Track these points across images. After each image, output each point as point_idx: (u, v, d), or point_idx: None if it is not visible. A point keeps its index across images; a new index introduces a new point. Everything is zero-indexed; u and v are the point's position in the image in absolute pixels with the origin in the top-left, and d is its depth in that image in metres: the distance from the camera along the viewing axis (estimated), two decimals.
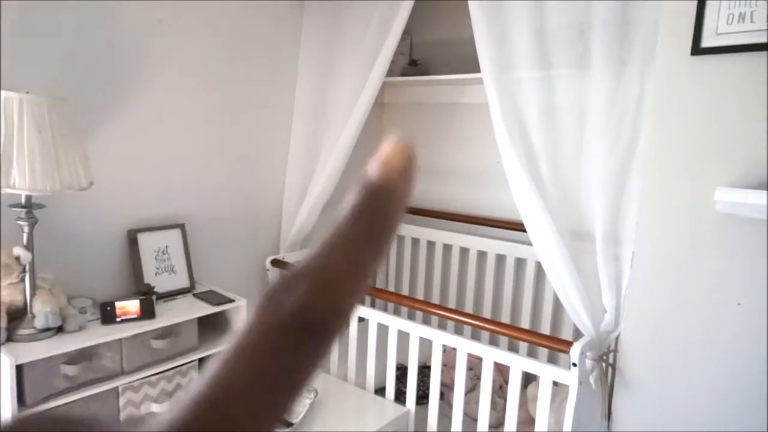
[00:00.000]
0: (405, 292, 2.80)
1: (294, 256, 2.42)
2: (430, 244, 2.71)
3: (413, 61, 2.60)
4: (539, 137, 1.67)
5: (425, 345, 1.92)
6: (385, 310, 2.69)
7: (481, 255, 2.53)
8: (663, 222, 1.45)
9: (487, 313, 2.47)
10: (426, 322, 2.65)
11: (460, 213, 2.59)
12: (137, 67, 1.87)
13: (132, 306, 1.66)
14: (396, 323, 1.95)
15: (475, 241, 2.51)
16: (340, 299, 0.17)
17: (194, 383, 0.21)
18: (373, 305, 2.74)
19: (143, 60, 1.88)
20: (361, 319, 2.12)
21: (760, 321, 1.34)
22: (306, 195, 2.36)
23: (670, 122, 1.40)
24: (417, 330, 1.89)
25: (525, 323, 2.35)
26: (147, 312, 1.67)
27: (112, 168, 1.84)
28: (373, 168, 0.18)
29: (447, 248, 2.64)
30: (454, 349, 1.83)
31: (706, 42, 1.29)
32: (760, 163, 1.29)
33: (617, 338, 1.63)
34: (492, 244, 2.45)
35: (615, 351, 1.64)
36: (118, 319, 1.62)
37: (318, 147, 2.34)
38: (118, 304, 1.64)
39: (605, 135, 1.55)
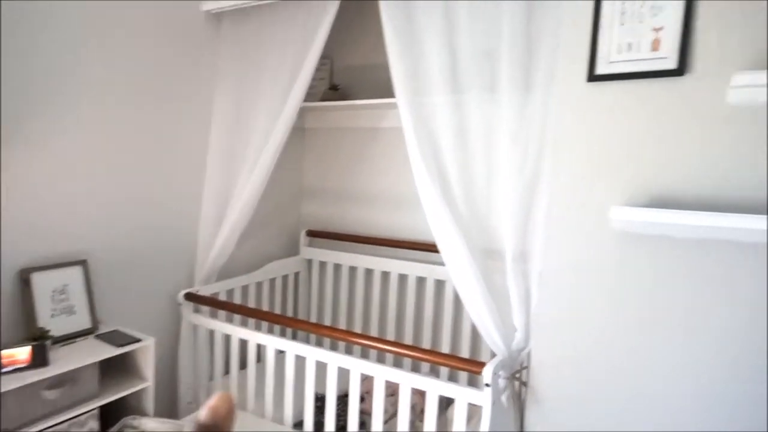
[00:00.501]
0: (327, 320, 2.75)
1: (209, 289, 2.32)
2: (352, 270, 2.69)
3: (334, 85, 2.61)
4: (452, 160, 1.70)
5: (346, 374, 1.88)
6: (307, 341, 2.62)
7: (402, 278, 2.53)
8: (566, 240, 1.50)
9: (408, 338, 2.46)
10: (350, 350, 2.60)
11: (382, 237, 2.59)
12: (37, 89, 1.75)
13: (21, 353, 1.53)
14: (314, 354, 1.89)
15: (395, 265, 2.51)
16: None
17: None
18: (294, 337, 2.67)
19: (44, 82, 1.76)
20: (279, 352, 2.05)
21: (656, 333, 1.40)
22: (222, 223, 2.28)
23: (569, 145, 1.47)
24: (335, 360, 1.85)
25: (446, 346, 2.35)
26: (39, 359, 1.53)
27: (3, 200, 1.69)
28: (205, 413, 0.26)
29: (369, 273, 2.63)
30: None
31: (600, 69, 1.37)
32: (649, 183, 1.36)
33: (528, 355, 1.66)
34: (412, 267, 2.46)
35: (527, 368, 1.66)
36: (3, 370, 1.48)
37: (235, 174, 2.27)
38: (4, 352, 1.50)
39: (513, 157, 1.60)
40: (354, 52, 2.69)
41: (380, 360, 2.34)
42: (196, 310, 2.24)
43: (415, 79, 1.73)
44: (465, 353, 2.29)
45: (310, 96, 2.41)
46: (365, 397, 2.15)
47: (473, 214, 1.71)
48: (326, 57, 2.70)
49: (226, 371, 2.31)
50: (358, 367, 1.80)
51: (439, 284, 2.41)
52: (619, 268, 1.44)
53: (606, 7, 1.35)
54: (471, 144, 1.69)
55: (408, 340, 2.46)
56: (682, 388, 1.36)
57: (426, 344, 2.42)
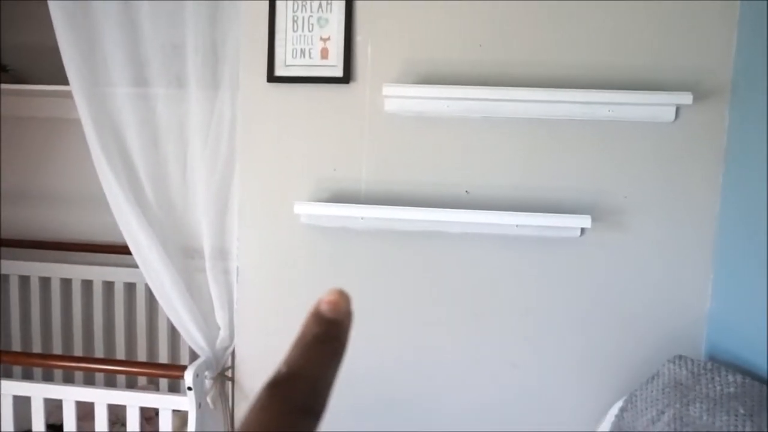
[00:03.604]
0: (17, 344, 2.34)
1: None
2: (43, 281, 2.33)
3: (3, 66, 2.20)
4: (142, 157, 1.60)
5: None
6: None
7: (86, 284, 2.29)
8: (259, 236, 1.55)
9: (99, 350, 2.25)
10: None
11: (63, 241, 2.30)
12: None
13: None
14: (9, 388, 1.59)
15: (79, 271, 2.26)
16: (325, 397, 0.26)
17: None
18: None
19: None
20: None
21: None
22: None
23: (255, 143, 1.51)
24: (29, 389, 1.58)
25: (142, 353, 2.22)
26: None
27: None
28: (326, 307, 0.26)
29: (44, 282, 2.31)
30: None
31: (278, 71, 1.43)
32: (328, 180, 1.49)
33: (233, 353, 1.67)
34: (98, 271, 2.24)
35: (232, 366, 1.67)
36: None
37: None
38: None
39: (205, 154, 1.58)
40: (28, 29, 2.31)
41: (86, 380, 2.10)
42: None
43: (93, 68, 1.57)
44: (164, 358, 2.20)
45: None
46: (79, 424, 1.89)
47: (168, 212, 1.64)
48: None
49: None
50: (40, 393, 1.58)
51: (130, 287, 2.26)
52: (309, 259, 1.54)
53: (280, 13, 1.41)
54: (163, 141, 1.62)
55: (99, 353, 2.25)
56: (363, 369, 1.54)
57: (120, 356, 2.25)
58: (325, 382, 0.26)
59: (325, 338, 0.26)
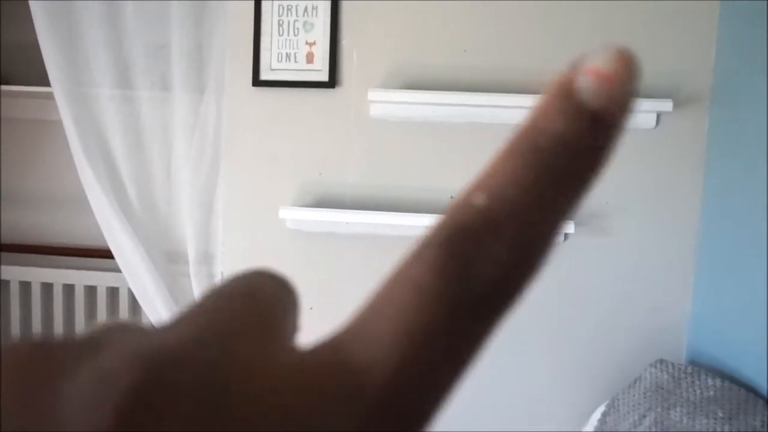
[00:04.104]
0: None
1: None
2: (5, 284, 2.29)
3: None
4: (126, 161, 1.59)
5: None
6: None
7: (68, 288, 2.26)
8: (244, 240, 1.54)
9: None
10: None
11: (44, 244, 2.27)
12: None
13: None
14: None
15: (61, 275, 2.22)
16: (542, 256, 0.12)
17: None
18: None
19: None
20: None
21: (329, 323, 1.54)
22: None
23: (240, 147, 1.50)
24: None
25: None
26: None
27: None
28: (594, 89, 0.12)
29: (25, 286, 2.27)
30: None
31: (264, 75, 1.43)
32: (313, 184, 1.49)
33: None
34: (80, 276, 2.21)
35: None
36: None
37: None
38: None
39: (189, 158, 1.57)
40: (8, 27, 2.28)
41: None
42: None
43: (75, 69, 1.55)
44: None
45: None
46: None
47: (152, 216, 1.62)
48: None
49: None
50: None
51: (113, 291, 2.24)
52: (295, 264, 1.53)
53: (265, 17, 1.41)
54: (147, 143, 1.61)
55: None
56: None
57: None
58: (549, 240, 0.13)
59: (578, 148, 0.13)
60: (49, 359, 0.12)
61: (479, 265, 0.12)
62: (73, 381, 0.11)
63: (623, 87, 0.13)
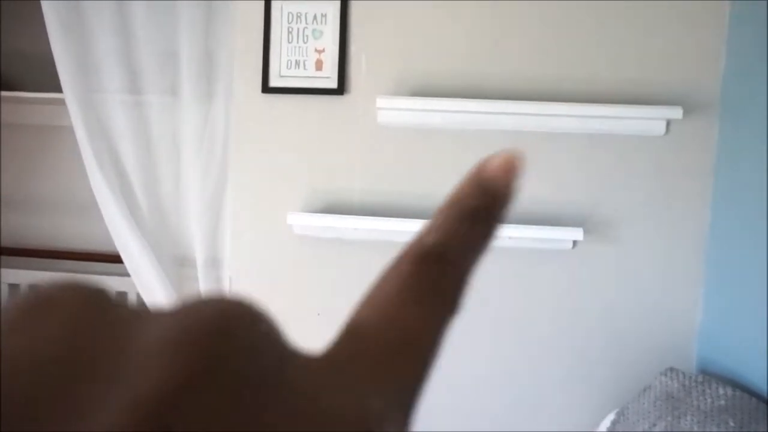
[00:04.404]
0: None
1: None
2: (14, 288, 2.31)
3: None
4: (135, 166, 1.60)
5: None
6: None
7: None
8: (252, 245, 1.55)
9: None
10: None
11: (55, 249, 2.29)
12: None
13: None
14: None
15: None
16: (467, 285, 0.19)
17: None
18: None
19: None
20: None
21: (337, 328, 1.54)
22: None
23: (248, 153, 1.51)
24: None
25: None
26: None
27: None
28: (494, 170, 0.19)
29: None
30: None
31: (273, 82, 1.43)
32: (321, 190, 1.49)
33: None
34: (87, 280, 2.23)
35: None
36: None
37: None
38: None
39: (197, 164, 1.58)
40: (20, 36, 2.31)
41: None
42: None
43: (86, 75, 1.57)
44: None
45: None
46: None
47: (161, 221, 1.63)
48: None
49: None
50: None
51: (121, 296, 2.25)
52: (302, 270, 1.54)
53: (275, 24, 1.42)
54: (156, 149, 1.62)
55: None
56: None
57: None
58: (470, 274, 0.19)
59: (484, 215, 0.19)
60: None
61: (436, 277, 0.18)
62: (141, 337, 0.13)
63: (507, 176, 0.19)
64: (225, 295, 0.15)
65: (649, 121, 1.39)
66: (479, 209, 0.19)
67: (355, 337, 0.17)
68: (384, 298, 0.18)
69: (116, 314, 0.14)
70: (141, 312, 0.14)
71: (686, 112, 1.36)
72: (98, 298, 0.14)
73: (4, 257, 2.29)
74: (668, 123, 1.40)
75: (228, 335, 0.13)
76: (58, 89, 2.10)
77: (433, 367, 0.18)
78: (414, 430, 0.17)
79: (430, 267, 0.18)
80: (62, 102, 2.19)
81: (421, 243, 0.19)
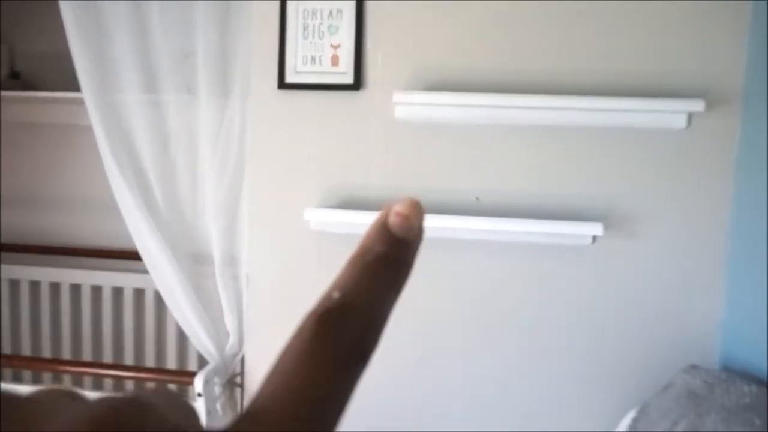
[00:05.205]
0: (26, 349, 2.35)
1: None
2: (53, 287, 2.34)
3: (14, 72, 2.23)
4: (152, 163, 1.61)
5: None
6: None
7: (96, 290, 2.30)
8: (269, 242, 1.55)
9: (108, 356, 2.25)
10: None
11: (74, 246, 2.32)
12: None
13: None
14: None
15: (89, 276, 2.27)
16: (379, 337, 0.20)
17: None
18: None
19: None
20: None
21: None
22: None
23: (265, 149, 1.51)
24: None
25: (150, 359, 2.23)
26: None
27: None
28: (396, 220, 0.20)
29: (54, 287, 2.31)
30: None
31: (289, 78, 1.43)
32: (338, 186, 1.49)
33: (243, 359, 1.67)
34: (108, 277, 2.25)
35: (242, 372, 1.67)
36: None
37: None
38: None
39: (214, 161, 1.58)
40: (40, 36, 2.33)
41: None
42: None
43: (103, 75, 1.58)
44: (172, 364, 2.21)
45: None
46: None
47: (178, 218, 1.64)
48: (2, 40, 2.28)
49: None
50: None
51: (139, 293, 2.27)
52: (319, 266, 1.54)
53: (290, 20, 1.42)
54: (173, 147, 1.63)
55: (108, 358, 2.26)
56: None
57: (129, 359, 2.27)
58: (383, 317, 0.20)
59: (391, 261, 0.20)
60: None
61: (340, 330, 0.19)
62: None
63: (415, 223, 0.20)
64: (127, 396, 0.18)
65: (669, 114, 1.37)
66: (385, 256, 0.20)
67: (254, 419, 0.18)
68: (286, 369, 0.19)
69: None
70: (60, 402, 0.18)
71: (708, 105, 1.34)
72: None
73: (27, 255, 2.32)
74: (689, 116, 1.38)
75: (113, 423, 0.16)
76: (77, 89, 2.13)
77: (341, 419, 0.18)
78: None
79: (333, 323, 0.19)
80: (81, 101, 2.22)
81: (326, 300, 0.20)
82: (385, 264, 0.20)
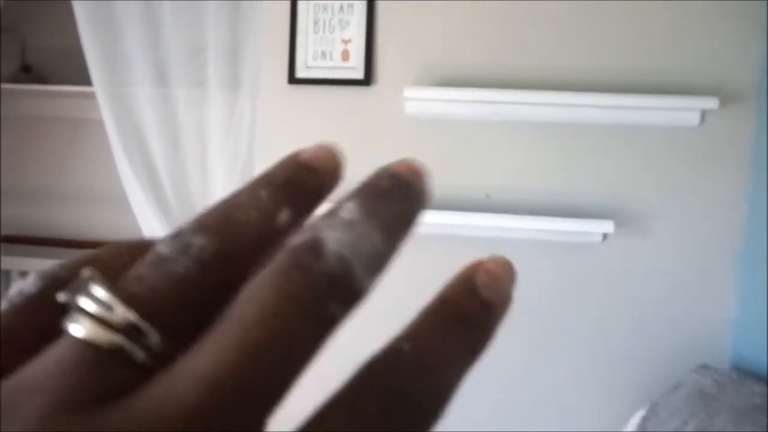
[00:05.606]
0: None
1: None
2: None
3: (26, 66, 2.24)
4: (162, 158, 1.62)
5: None
6: None
7: None
8: None
9: None
10: None
11: (83, 239, 2.33)
12: None
13: None
14: None
15: None
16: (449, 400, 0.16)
17: None
18: None
19: None
20: None
21: (367, 320, 1.54)
22: None
23: (274, 144, 1.51)
24: None
25: None
26: None
27: None
28: (487, 284, 0.17)
29: None
30: None
31: (299, 73, 1.43)
32: (347, 181, 1.48)
33: None
34: None
35: None
36: None
37: None
38: None
39: (224, 155, 1.59)
40: (51, 30, 2.35)
41: None
42: None
43: (115, 69, 1.59)
44: None
45: None
46: None
47: (188, 212, 1.65)
48: (11, 32, 2.30)
49: None
50: None
51: None
52: None
53: (301, 15, 1.41)
54: (183, 141, 1.63)
55: None
56: None
57: None
58: (453, 390, 0.17)
59: (472, 324, 0.17)
60: None
61: (412, 392, 0.15)
62: None
63: (505, 287, 0.17)
64: None
65: (683, 111, 1.36)
66: (465, 314, 0.17)
67: None
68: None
69: None
70: None
71: (722, 103, 1.32)
72: None
73: (35, 247, 2.34)
74: (703, 114, 1.36)
75: None
76: (89, 83, 2.14)
77: None
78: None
79: (405, 386, 0.16)
80: (92, 95, 2.23)
81: (391, 354, 0.16)
82: (465, 323, 0.17)
